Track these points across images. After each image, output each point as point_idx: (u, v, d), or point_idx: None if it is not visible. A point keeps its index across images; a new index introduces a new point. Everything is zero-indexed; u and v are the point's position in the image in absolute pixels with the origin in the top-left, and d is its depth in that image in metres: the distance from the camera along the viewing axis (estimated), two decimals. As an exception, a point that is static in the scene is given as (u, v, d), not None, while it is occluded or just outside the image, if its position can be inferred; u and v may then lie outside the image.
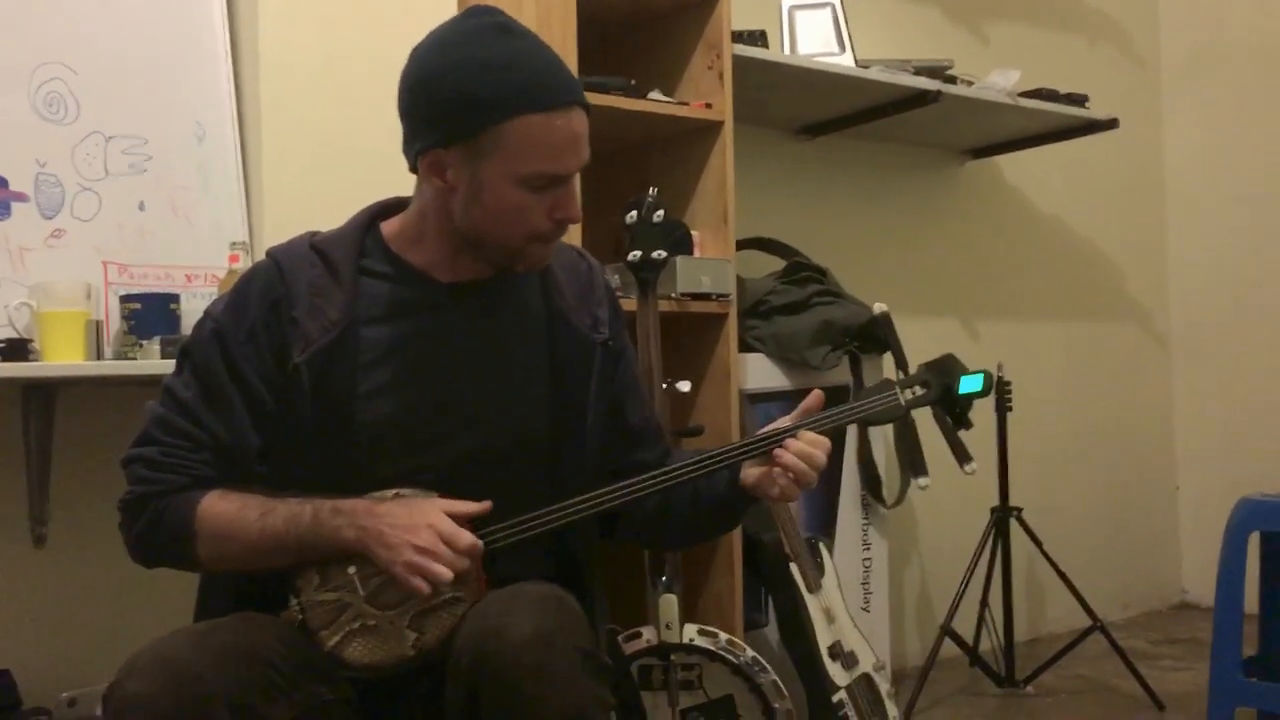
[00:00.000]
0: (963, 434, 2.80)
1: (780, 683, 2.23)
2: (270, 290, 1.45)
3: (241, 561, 1.41)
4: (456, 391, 1.48)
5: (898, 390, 1.58)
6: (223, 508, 1.40)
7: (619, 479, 1.48)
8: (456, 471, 1.46)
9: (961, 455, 2.86)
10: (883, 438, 2.94)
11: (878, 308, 2.83)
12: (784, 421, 1.53)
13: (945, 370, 1.61)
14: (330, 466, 1.43)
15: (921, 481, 2.88)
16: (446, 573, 1.32)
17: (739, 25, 2.65)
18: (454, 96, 1.38)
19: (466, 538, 1.34)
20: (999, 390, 3.09)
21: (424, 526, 1.33)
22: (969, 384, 1.61)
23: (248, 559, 1.40)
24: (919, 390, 1.60)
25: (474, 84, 1.37)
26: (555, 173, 1.41)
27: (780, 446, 1.49)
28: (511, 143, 1.38)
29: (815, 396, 1.54)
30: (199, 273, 2.23)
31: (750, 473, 1.52)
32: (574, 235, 2.29)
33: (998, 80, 3.23)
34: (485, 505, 1.40)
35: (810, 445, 1.49)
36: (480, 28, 1.41)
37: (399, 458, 1.45)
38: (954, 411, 1.66)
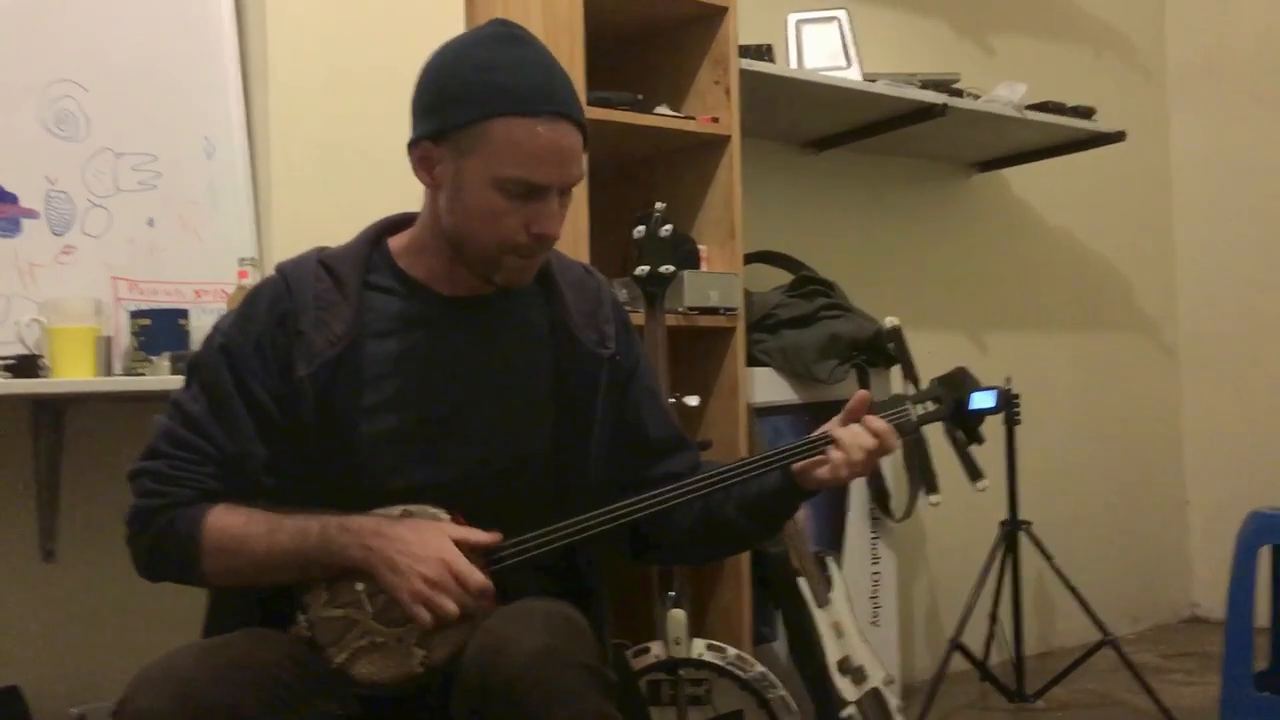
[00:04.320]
0: (974, 449, 2.79)
1: (789, 698, 2.22)
2: (277, 304, 1.46)
3: (247, 577, 1.41)
4: (461, 407, 1.49)
5: (909, 405, 1.56)
6: (229, 522, 1.40)
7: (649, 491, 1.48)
8: (461, 487, 1.45)
9: (973, 471, 2.85)
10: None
11: (889, 321, 2.83)
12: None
13: (957, 385, 1.59)
14: (335, 480, 1.44)
15: (933, 499, 2.87)
16: (454, 609, 1.31)
17: (745, 40, 2.66)
18: (446, 90, 1.40)
19: (478, 579, 1.33)
20: (1007, 403, 3.08)
21: (435, 559, 1.33)
22: (981, 400, 1.58)
23: (253, 575, 1.40)
24: (930, 405, 1.57)
25: (466, 79, 1.39)
26: (532, 180, 1.39)
27: (822, 451, 1.47)
28: (492, 142, 1.38)
29: (860, 397, 1.51)
30: (208, 288, 2.23)
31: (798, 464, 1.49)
32: (581, 249, 2.30)
33: (1004, 93, 3.23)
34: (496, 536, 1.39)
35: (870, 430, 1.47)
36: (492, 34, 1.44)
37: (403, 472, 1.45)
38: (966, 427, 1.64)
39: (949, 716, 3.09)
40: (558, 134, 1.39)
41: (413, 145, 1.44)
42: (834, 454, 1.47)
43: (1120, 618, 3.84)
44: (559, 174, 1.41)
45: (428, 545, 1.34)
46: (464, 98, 1.39)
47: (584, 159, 1.45)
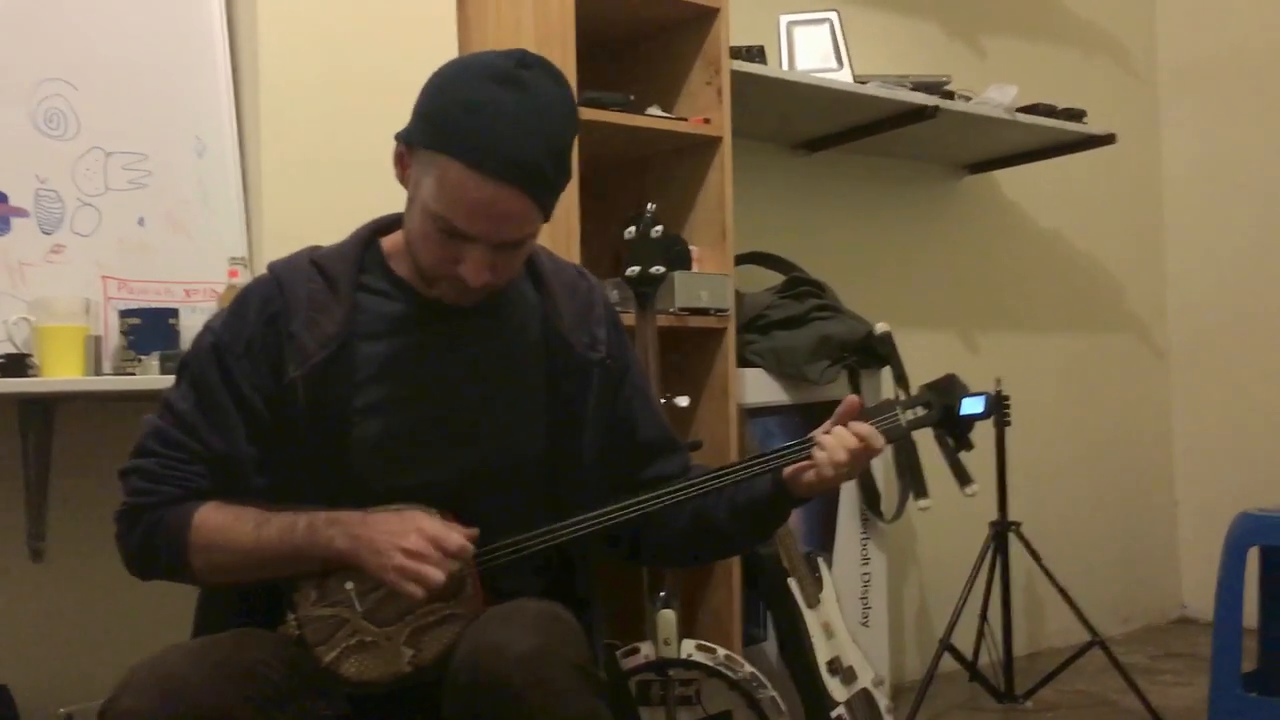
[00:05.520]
0: (963, 453, 2.79)
1: (779, 698, 2.22)
2: (268, 304, 1.46)
3: (236, 573, 1.41)
4: (453, 409, 1.49)
5: (899, 411, 1.56)
6: (217, 519, 1.40)
7: (643, 493, 1.49)
8: (453, 489, 1.46)
9: (963, 477, 2.85)
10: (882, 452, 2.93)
11: (879, 327, 2.83)
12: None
13: (947, 391, 1.59)
14: (326, 482, 1.44)
15: (923, 503, 2.87)
16: (438, 575, 1.32)
17: (737, 41, 2.66)
18: (430, 106, 1.39)
19: (455, 539, 1.35)
20: (996, 409, 3.09)
21: (412, 531, 1.34)
22: (971, 405, 1.58)
23: (242, 570, 1.40)
24: (920, 411, 1.57)
25: (445, 107, 1.37)
26: (459, 229, 1.37)
27: (808, 455, 1.48)
28: (436, 176, 1.36)
29: (850, 402, 1.52)
30: (198, 288, 2.23)
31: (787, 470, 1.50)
32: (572, 250, 2.30)
33: (995, 95, 3.24)
34: (473, 532, 1.40)
35: (854, 434, 1.47)
36: (497, 69, 1.38)
37: (395, 475, 1.45)
38: (955, 433, 1.64)
39: (938, 717, 3.10)
40: (496, 195, 1.35)
41: (397, 138, 1.44)
42: (818, 454, 1.47)
43: (1109, 618, 3.85)
44: (486, 230, 1.37)
45: (405, 520, 1.36)
46: (435, 123, 1.37)
47: (533, 222, 1.40)
